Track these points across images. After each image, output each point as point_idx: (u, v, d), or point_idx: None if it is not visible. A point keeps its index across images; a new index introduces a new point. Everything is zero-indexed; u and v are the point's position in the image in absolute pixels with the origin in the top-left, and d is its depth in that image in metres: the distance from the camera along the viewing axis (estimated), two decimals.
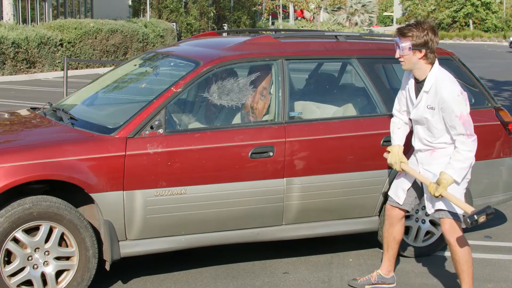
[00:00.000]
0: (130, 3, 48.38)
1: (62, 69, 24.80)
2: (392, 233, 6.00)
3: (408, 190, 5.90)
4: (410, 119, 5.90)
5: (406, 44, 5.49)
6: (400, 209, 5.95)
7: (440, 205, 5.58)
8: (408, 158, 5.91)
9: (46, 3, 43.09)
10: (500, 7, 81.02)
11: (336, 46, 6.81)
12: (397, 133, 5.96)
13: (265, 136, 6.08)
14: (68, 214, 5.44)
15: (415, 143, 5.82)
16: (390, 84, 6.98)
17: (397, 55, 5.60)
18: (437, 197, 5.48)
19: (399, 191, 5.92)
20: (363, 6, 78.75)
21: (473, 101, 7.10)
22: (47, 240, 5.44)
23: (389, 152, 5.92)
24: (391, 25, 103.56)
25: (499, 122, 7.07)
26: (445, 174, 5.42)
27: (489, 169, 7.02)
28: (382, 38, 7.58)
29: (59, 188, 5.61)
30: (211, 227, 6.00)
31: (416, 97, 5.68)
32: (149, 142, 5.71)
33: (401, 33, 5.54)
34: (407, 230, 6.72)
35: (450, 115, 5.42)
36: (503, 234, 7.70)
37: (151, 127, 5.75)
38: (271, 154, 6.05)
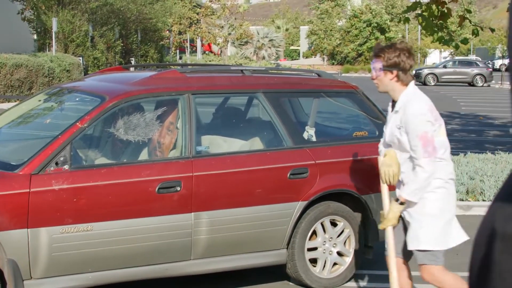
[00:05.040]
0: (35, 37, 47.75)
1: None
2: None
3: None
4: None
5: (377, 64, 5.35)
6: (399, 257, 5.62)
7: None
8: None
9: None
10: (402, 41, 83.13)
11: (242, 80, 6.88)
12: None
13: (172, 171, 6.07)
14: None
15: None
16: (296, 117, 7.08)
17: (372, 77, 5.46)
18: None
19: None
20: (270, 40, 79.58)
21: (377, 133, 7.25)
22: None
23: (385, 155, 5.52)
24: (298, 59, 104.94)
25: None
26: (395, 204, 5.27)
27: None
28: (288, 72, 7.69)
29: None
30: (119, 263, 5.93)
31: None
32: (54, 178, 5.63)
33: (374, 54, 5.43)
34: (314, 261, 6.78)
35: (412, 134, 5.21)
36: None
37: (56, 163, 5.68)
38: (178, 188, 6.04)
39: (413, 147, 5.21)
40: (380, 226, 5.42)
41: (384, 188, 5.43)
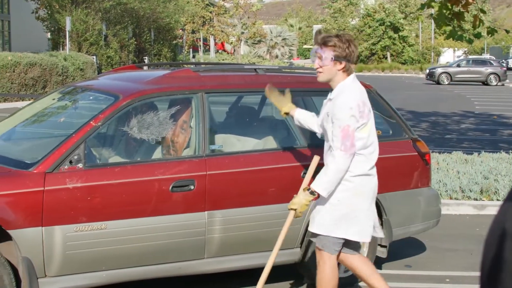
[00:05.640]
0: (49, 36, 47.89)
1: None
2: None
3: None
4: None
5: (328, 54, 5.35)
6: None
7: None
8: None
9: None
10: (416, 40, 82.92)
11: (255, 79, 6.87)
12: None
13: (185, 170, 6.08)
14: None
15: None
16: None
17: (316, 65, 5.45)
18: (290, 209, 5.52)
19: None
20: (283, 39, 79.60)
21: (390, 132, 7.25)
22: None
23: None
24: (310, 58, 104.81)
25: (416, 153, 7.23)
26: (307, 193, 5.41)
27: (408, 199, 7.15)
28: (301, 71, 7.67)
29: None
30: (132, 262, 5.94)
31: None
32: (68, 177, 5.64)
33: (323, 42, 5.40)
34: None
35: (335, 122, 5.26)
36: (423, 263, 7.83)
37: (70, 162, 5.69)
38: (191, 187, 6.05)
39: (334, 137, 5.27)
40: (288, 206, 5.56)
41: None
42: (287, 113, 5.95)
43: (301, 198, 5.44)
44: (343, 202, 5.42)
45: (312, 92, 7.04)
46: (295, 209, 5.48)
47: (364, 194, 5.47)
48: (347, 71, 5.42)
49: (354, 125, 5.26)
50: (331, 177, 5.29)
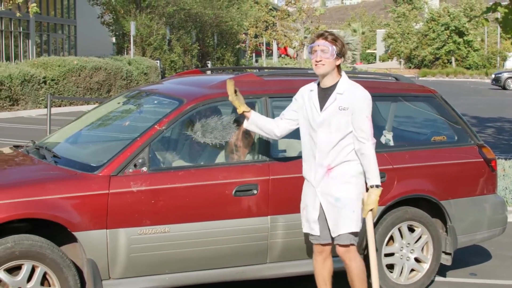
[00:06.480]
0: (114, 40, 48.54)
1: (46, 107, 24.76)
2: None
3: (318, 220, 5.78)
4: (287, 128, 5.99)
5: (333, 49, 5.60)
6: (322, 244, 5.83)
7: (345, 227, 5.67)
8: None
9: (29, 40, 43.18)
10: (481, 45, 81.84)
11: None
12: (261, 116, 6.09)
13: (249, 174, 6.08)
14: (50, 253, 5.40)
15: (309, 163, 5.77)
16: (373, 121, 6.99)
17: (318, 58, 5.61)
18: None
19: (311, 223, 5.79)
20: (346, 43, 79.37)
21: (456, 138, 7.15)
22: (29, 280, 5.38)
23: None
24: (374, 62, 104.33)
25: (482, 159, 7.12)
26: (374, 189, 5.59)
27: (473, 206, 7.05)
28: (365, 75, 7.63)
29: (42, 227, 5.57)
30: (195, 265, 5.96)
31: (321, 103, 5.67)
32: (132, 180, 5.69)
33: (329, 37, 5.67)
34: (391, 267, 6.71)
35: (360, 115, 5.57)
36: (488, 271, 7.70)
37: (135, 165, 5.74)
38: (255, 192, 6.05)
39: (361, 128, 5.60)
40: (363, 214, 5.67)
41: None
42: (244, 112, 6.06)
43: (374, 197, 5.59)
44: (360, 196, 5.67)
45: (376, 97, 6.95)
46: (371, 209, 5.61)
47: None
48: (340, 68, 5.74)
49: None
50: (376, 166, 5.62)
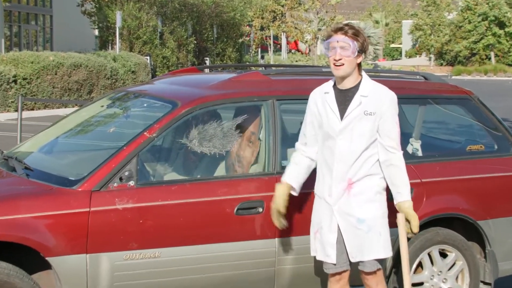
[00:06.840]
0: (96, 33, 48.62)
1: (16, 110, 24.78)
2: None
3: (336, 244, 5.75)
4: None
5: (354, 45, 5.56)
6: (337, 273, 5.82)
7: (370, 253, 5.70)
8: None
9: None
10: None
11: None
12: (292, 168, 5.90)
13: (253, 189, 6.08)
14: (19, 282, 5.39)
15: (324, 176, 5.75)
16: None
17: (337, 56, 5.55)
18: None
19: (327, 248, 5.76)
20: (367, 37, 79.50)
21: (495, 147, 7.14)
22: None
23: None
24: (399, 59, 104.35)
25: None
26: (407, 203, 5.66)
27: None
28: (388, 74, 7.63)
29: (11, 251, 5.56)
30: None
31: (340, 107, 5.63)
32: (117, 196, 5.69)
33: (348, 32, 5.59)
34: None
35: (389, 120, 5.61)
36: None
37: (120, 179, 5.74)
38: (260, 210, 6.05)
39: (391, 134, 5.63)
40: (414, 228, 5.72)
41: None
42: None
43: (412, 211, 5.67)
44: (386, 215, 5.74)
45: (401, 100, 6.94)
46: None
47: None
48: (359, 66, 5.69)
49: None
50: (408, 180, 5.70)
